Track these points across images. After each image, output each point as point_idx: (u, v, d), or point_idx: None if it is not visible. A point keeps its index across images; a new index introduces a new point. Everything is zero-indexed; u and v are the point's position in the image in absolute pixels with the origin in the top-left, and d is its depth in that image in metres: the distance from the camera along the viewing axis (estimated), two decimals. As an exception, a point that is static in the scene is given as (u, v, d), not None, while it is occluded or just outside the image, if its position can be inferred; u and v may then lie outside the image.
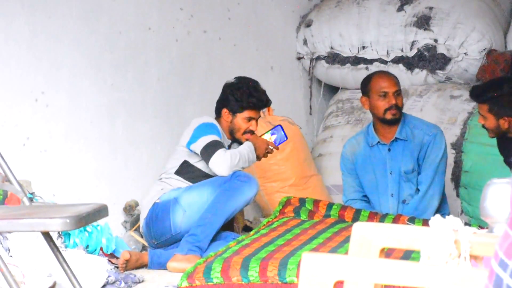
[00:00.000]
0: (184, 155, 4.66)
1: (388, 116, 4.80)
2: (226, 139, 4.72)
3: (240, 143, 4.71)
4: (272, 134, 4.79)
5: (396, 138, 4.84)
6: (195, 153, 4.60)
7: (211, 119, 4.69)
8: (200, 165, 4.63)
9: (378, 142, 4.88)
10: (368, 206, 4.91)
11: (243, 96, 4.65)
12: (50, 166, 4.58)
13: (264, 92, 4.73)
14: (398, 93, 4.82)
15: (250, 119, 4.68)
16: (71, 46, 4.71)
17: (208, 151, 4.49)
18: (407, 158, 4.83)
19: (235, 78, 4.77)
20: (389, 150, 4.86)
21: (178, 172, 4.66)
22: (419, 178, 4.83)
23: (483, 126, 4.53)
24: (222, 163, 4.46)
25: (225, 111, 4.70)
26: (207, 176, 4.60)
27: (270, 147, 4.68)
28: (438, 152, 4.82)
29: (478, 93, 4.54)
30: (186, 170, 4.65)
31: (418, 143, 4.82)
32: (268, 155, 4.72)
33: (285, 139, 4.80)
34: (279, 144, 4.76)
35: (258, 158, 4.65)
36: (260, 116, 4.79)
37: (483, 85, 4.83)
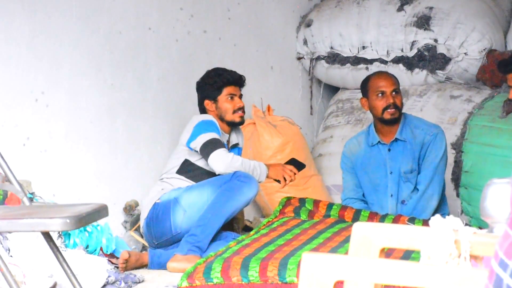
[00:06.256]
0: (184, 154, 4.67)
1: (387, 116, 4.79)
2: (225, 134, 4.74)
3: (237, 124, 4.78)
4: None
5: (396, 138, 4.84)
6: (195, 151, 4.61)
7: (210, 116, 4.71)
8: (201, 163, 4.64)
9: (379, 142, 4.88)
10: (367, 206, 4.91)
11: (214, 77, 4.77)
12: (50, 166, 4.57)
13: (233, 70, 4.84)
14: (397, 92, 4.81)
15: (231, 96, 4.75)
16: (71, 46, 4.71)
17: (207, 148, 4.50)
18: (407, 158, 4.82)
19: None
20: (389, 150, 4.86)
21: (179, 171, 4.66)
22: (418, 177, 4.82)
23: None
24: (220, 159, 4.47)
25: (207, 103, 4.77)
26: (209, 173, 4.61)
27: (287, 172, 4.59)
28: (438, 152, 4.81)
29: (506, 63, 4.51)
30: (187, 169, 4.66)
31: (419, 143, 4.81)
32: (286, 183, 4.61)
33: (303, 166, 4.73)
34: (299, 170, 4.68)
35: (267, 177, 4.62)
36: (241, 94, 4.81)
37: (509, 57, 4.77)
